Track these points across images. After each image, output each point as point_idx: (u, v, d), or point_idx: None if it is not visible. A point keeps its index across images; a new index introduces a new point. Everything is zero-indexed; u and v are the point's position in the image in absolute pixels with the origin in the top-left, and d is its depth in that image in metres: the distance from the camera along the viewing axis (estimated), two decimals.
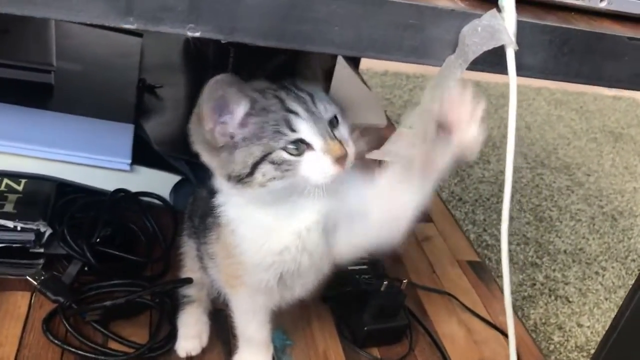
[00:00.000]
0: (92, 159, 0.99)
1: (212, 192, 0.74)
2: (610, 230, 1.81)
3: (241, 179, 0.65)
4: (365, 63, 2.21)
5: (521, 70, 0.54)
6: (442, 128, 0.59)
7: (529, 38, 0.53)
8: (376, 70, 2.51)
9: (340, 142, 0.65)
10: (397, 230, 0.68)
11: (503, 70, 0.53)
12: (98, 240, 0.93)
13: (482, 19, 0.51)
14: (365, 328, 0.91)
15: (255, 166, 0.64)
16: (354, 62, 1.81)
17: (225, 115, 0.64)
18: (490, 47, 0.52)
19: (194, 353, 0.85)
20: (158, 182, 1.05)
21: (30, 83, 1.08)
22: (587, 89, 2.82)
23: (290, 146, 0.63)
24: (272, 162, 0.64)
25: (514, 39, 0.51)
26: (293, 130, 0.64)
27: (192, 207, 0.90)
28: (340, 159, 0.64)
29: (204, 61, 1.31)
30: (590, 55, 0.56)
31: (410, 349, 0.94)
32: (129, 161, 1.01)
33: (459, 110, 0.58)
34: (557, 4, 0.57)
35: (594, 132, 2.44)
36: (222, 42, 0.49)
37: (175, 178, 1.06)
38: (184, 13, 0.46)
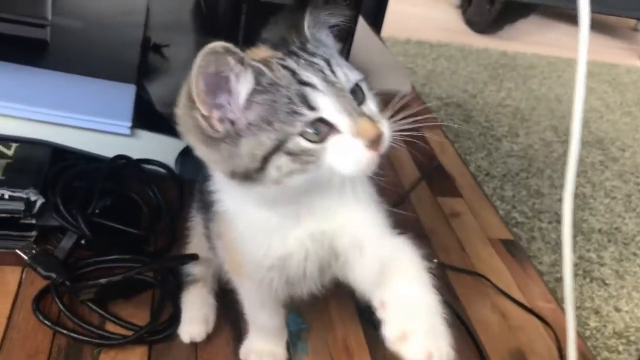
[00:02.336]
0: (90, 121, 0.92)
1: None
2: None
3: (249, 175, 0.53)
4: (386, 31, 2.10)
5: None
6: None
7: None
8: (398, 38, 2.39)
9: (371, 119, 0.53)
10: None
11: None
12: (96, 211, 0.86)
13: None
14: None
15: (267, 159, 0.52)
16: (376, 28, 1.71)
17: (223, 96, 0.52)
18: None
19: (198, 339, 0.77)
20: (162, 148, 0.97)
21: (22, 38, 1.02)
22: (620, 60, 2.68)
23: (310, 130, 0.51)
24: (289, 153, 0.51)
25: None
26: (311, 108, 0.51)
27: (203, 177, 0.80)
28: (374, 141, 0.52)
29: (214, 20, 1.22)
30: None
31: None
32: (130, 124, 0.94)
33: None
34: None
35: (628, 106, 2.32)
36: None
37: (181, 144, 0.95)
38: None
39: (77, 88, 0.95)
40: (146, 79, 1.03)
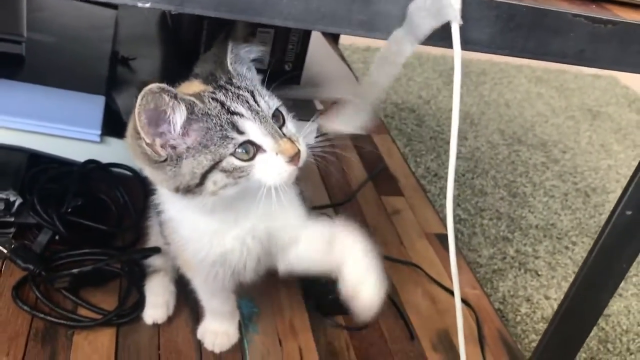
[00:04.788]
0: (63, 129, 1.00)
1: None
2: (583, 206, 1.84)
3: (190, 190, 0.62)
4: (346, 39, 2.21)
5: (468, 45, 0.56)
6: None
7: (476, 13, 0.55)
8: (358, 46, 2.51)
9: (290, 139, 0.63)
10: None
11: (450, 44, 0.55)
12: (69, 210, 0.94)
13: None
14: (330, 296, 0.93)
15: (205, 176, 0.61)
16: (333, 37, 1.81)
17: (163, 125, 0.60)
18: (438, 24, 0.53)
19: (160, 321, 0.88)
20: (129, 154, 1.04)
21: (0, 54, 1.08)
22: (569, 67, 2.83)
23: (240, 150, 0.61)
24: (223, 170, 0.61)
25: (459, 14, 0.53)
26: (240, 133, 0.61)
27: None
28: (293, 157, 0.62)
29: (178, 33, 1.32)
30: (536, 31, 0.57)
31: (374, 317, 0.97)
32: (99, 132, 1.02)
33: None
34: None
35: (572, 110, 2.46)
36: (172, 12, 0.50)
37: None
38: None
39: (52, 99, 1.03)
40: (114, 90, 1.12)
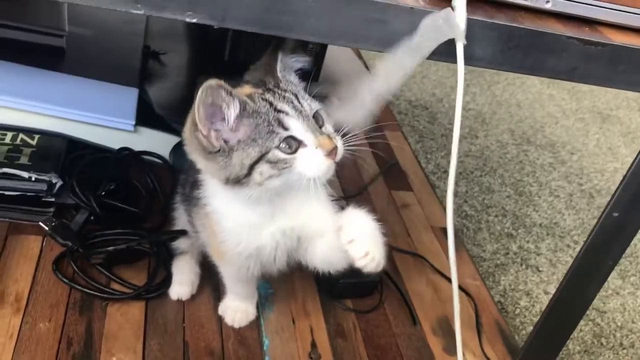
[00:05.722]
0: (100, 119, 1.08)
1: None
2: (586, 207, 1.90)
3: (239, 180, 0.70)
4: None
5: (471, 61, 0.63)
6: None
7: (479, 34, 0.62)
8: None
9: (328, 136, 0.71)
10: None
11: (455, 60, 0.62)
12: (103, 193, 1.02)
13: (438, 15, 0.59)
14: (340, 281, 1.01)
15: (252, 167, 0.69)
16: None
17: (218, 121, 0.67)
18: (443, 41, 0.60)
19: (184, 298, 0.96)
20: (159, 143, 1.13)
21: (44, 46, 1.16)
22: None
23: (284, 145, 0.69)
24: (269, 162, 0.69)
25: (463, 34, 0.60)
26: (285, 129, 0.69)
27: (186, 175, 0.95)
28: (331, 152, 0.70)
29: (206, 30, 1.39)
30: (534, 50, 0.64)
31: (381, 302, 1.05)
32: (133, 122, 1.10)
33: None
34: (508, 3, 0.65)
35: (582, 112, 2.51)
36: (215, 27, 0.58)
37: (174, 139, 1.14)
38: (184, 2, 0.55)
39: (89, 90, 1.11)
40: (147, 83, 1.20)
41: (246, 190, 0.71)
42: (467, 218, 1.69)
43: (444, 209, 1.34)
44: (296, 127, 0.70)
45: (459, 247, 1.24)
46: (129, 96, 1.13)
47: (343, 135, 0.73)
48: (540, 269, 1.60)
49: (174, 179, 1.11)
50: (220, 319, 0.94)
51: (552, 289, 1.54)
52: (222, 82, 0.66)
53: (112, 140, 1.10)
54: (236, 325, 0.94)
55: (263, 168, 0.69)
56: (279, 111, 0.70)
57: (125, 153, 1.11)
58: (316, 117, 0.73)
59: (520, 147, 2.14)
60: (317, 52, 1.35)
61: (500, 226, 1.71)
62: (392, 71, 0.64)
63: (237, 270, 0.86)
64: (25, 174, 0.97)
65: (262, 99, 0.71)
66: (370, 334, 0.99)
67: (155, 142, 1.13)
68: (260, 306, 0.98)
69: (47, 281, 0.93)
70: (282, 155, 0.69)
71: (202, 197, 0.80)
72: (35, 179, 0.98)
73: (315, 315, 1.00)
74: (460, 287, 1.13)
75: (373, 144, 0.87)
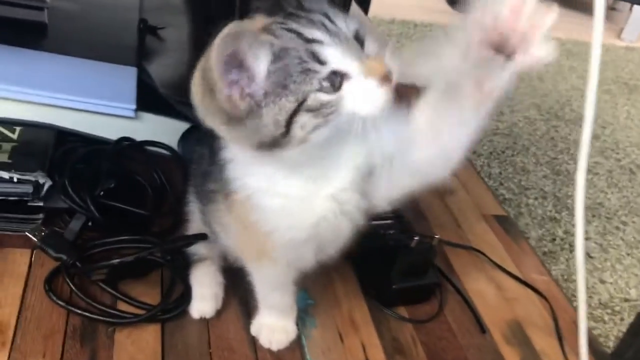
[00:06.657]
0: (94, 104, 0.93)
1: (215, 151, 0.65)
2: (629, 184, 1.76)
3: (276, 142, 0.55)
4: (372, 11, 2.11)
5: None
6: (498, 46, 0.50)
7: None
8: (383, 18, 2.41)
9: (377, 58, 0.55)
10: (448, 167, 0.61)
11: None
12: (102, 193, 0.87)
13: None
14: (394, 286, 0.85)
15: (290, 121, 0.53)
16: (363, 8, 1.73)
17: (236, 73, 0.53)
18: None
19: (208, 315, 0.79)
20: (165, 130, 0.99)
21: (22, 21, 1.02)
22: None
23: (325, 83, 0.53)
24: (310, 110, 0.53)
25: None
26: (322, 63, 0.53)
27: (195, 166, 0.81)
28: (384, 78, 0.54)
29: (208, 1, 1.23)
30: None
31: (440, 308, 0.89)
32: (134, 107, 0.95)
33: (519, 24, 0.48)
34: None
35: (607, 84, 2.37)
36: None
37: (183, 125, 1.00)
38: None
39: (79, 71, 0.96)
40: (146, 61, 1.04)
41: (287, 152, 0.56)
42: (505, 202, 1.54)
43: (492, 193, 1.18)
44: (335, 56, 0.53)
45: (517, 236, 1.08)
46: (127, 77, 0.98)
47: None
48: (592, 255, 1.45)
49: (185, 172, 0.94)
50: (253, 341, 0.78)
51: (608, 277, 1.39)
52: (240, 25, 0.51)
53: (110, 129, 0.94)
54: (274, 348, 0.77)
55: (304, 119, 0.53)
56: (311, 41, 0.53)
57: (126, 144, 0.95)
58: (356, 38, 0.55)
59: (549, 123, 1.98)
60: None
61: (542, 209, 1.55)
62: None
63: (279, 271, 0.71)
64: (5, 175, 0.81)
65: (285, 29, 0.54)
66: (434, 348, 0.83)
67: (160, 130, 0.98)
68: (301, 322, 0.81)
69: (38, 305, 0.76)
70: (325, 98, 0.53)
71: (231, 180, 0.64)
72: (18, 179, 0.82)
73: (366, 329, 0.84)
74: (528, 284, 0.97)
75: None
